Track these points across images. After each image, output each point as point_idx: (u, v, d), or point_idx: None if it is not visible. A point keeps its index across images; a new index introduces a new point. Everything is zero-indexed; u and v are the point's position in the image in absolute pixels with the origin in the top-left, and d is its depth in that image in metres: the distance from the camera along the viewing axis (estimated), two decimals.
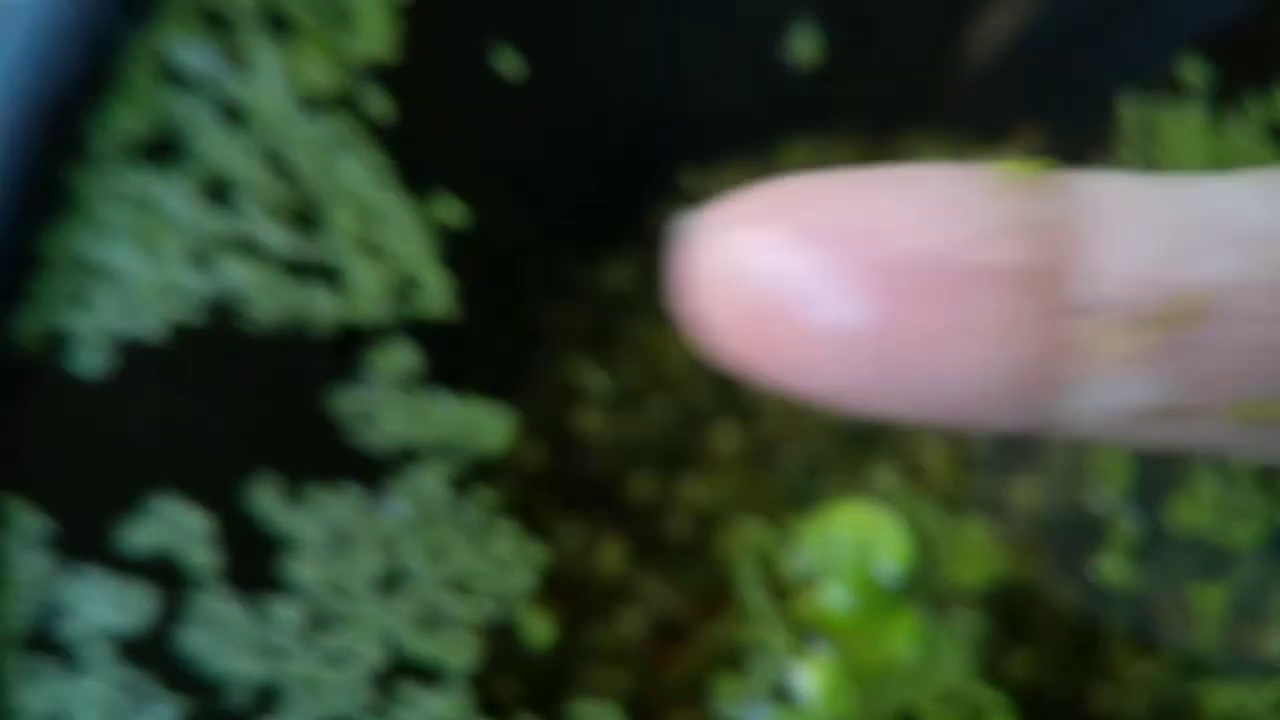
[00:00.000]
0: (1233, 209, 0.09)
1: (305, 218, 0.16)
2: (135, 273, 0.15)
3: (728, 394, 0.20)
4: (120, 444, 0.15)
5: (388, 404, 0.16)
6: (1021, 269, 0.09)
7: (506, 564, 0.17)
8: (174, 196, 0.15)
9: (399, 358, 0.16)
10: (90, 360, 0.16)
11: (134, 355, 0.16)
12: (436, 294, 0.16)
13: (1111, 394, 0.09)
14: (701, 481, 0.20)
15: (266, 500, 0.16)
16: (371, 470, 0.16)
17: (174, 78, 0.16)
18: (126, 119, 0.15)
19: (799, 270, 0.09)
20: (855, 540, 0.19)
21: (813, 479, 0.20)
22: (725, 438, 0.20)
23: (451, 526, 0.16)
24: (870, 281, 0.09)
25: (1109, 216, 0.09)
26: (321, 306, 0.16)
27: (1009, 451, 0.20)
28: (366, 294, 0.16)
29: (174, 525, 0.15)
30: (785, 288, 0.09)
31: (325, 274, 0.16)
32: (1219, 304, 0.09)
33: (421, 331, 0.16)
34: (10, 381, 0.15)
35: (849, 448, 0.21)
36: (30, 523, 0.15)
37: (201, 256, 0.16)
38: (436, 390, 0.16)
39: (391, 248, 0.16)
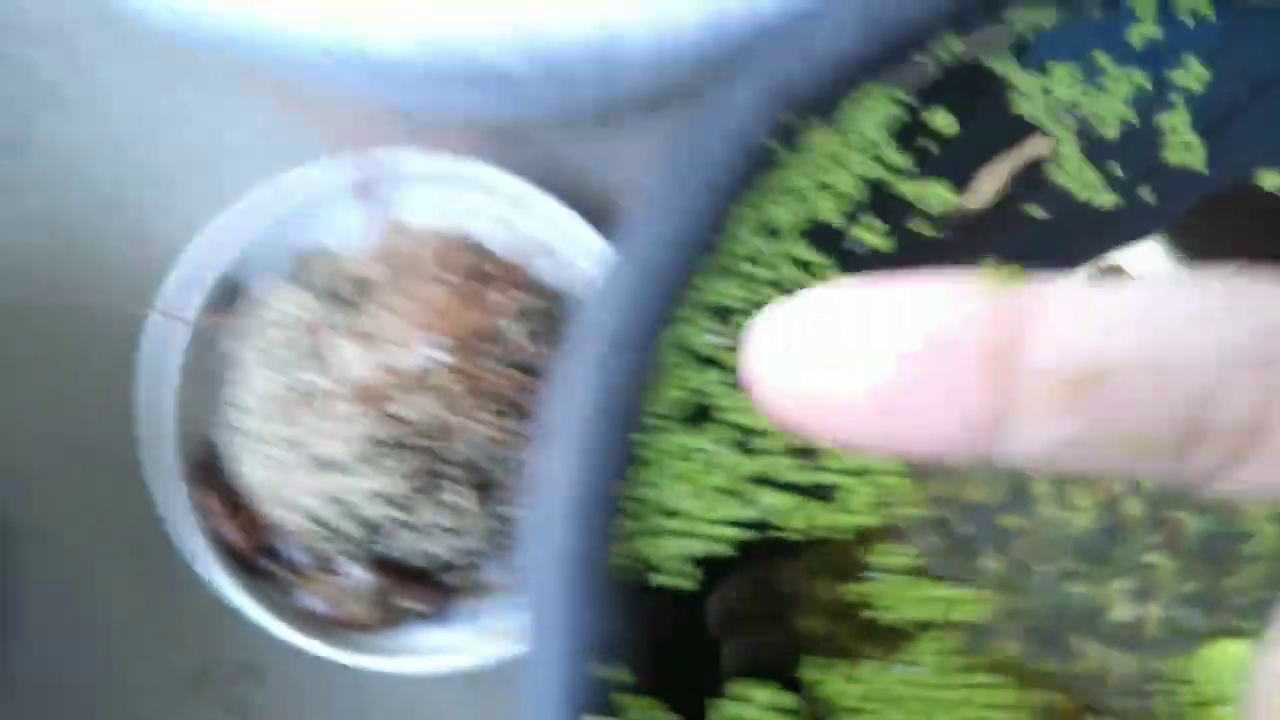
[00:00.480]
0: (1135, 303, 0.12)
1: (806, 453, 0.21)
2: (691, 507, 0.21)
3: None
4: (700, 637, 0.20)
5: (892, 589, 0.21)
6: (984, 348, 0.12)
7: (1000, 708, 0.21)
8: (712, 447, 0.21)
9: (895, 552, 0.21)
10: (668, 577, 0.21)
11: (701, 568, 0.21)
12: (910, 501, 0.21)
13: (1040, 433, 0.12)
14: None
15: (816, 672, 0.21)
16: (894, 640, 0.21)
17: (697, 358, 0.21)
18: (671, 393, 0.21)
19: (830, 358, 0.13)
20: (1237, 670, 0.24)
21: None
22: None
23: (952, 684, 0.21)
24: (885, 361, 0.12)
25: (1052, 309, 0.12)
26: (830, 518, 0.21)
27: None
28: (860, 506, 0.21)
29: (753, 699, 0.20)
30: (822, 372, 0.13)
31: (825, 493, 0.21)
32: (1117, 370, 0.12)
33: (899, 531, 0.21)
34: (613, 599, 0.20)
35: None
36: (644, 711, 0.20)
37: (737, 490, 0.21)
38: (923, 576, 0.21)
39: (873, 469, 0.21)
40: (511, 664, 0.30)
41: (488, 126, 0.35)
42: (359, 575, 0.30)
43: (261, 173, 0.34)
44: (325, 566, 0.30)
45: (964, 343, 0.12)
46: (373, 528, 0.28)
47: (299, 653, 0.31)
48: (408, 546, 0.29)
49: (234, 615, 0.30)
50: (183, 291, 0.31)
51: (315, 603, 0.30)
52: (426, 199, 0.32)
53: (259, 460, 0.29)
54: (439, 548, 0.29)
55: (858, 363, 0.12)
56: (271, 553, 0.31)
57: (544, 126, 0.35)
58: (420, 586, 0.31)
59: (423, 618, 0.31)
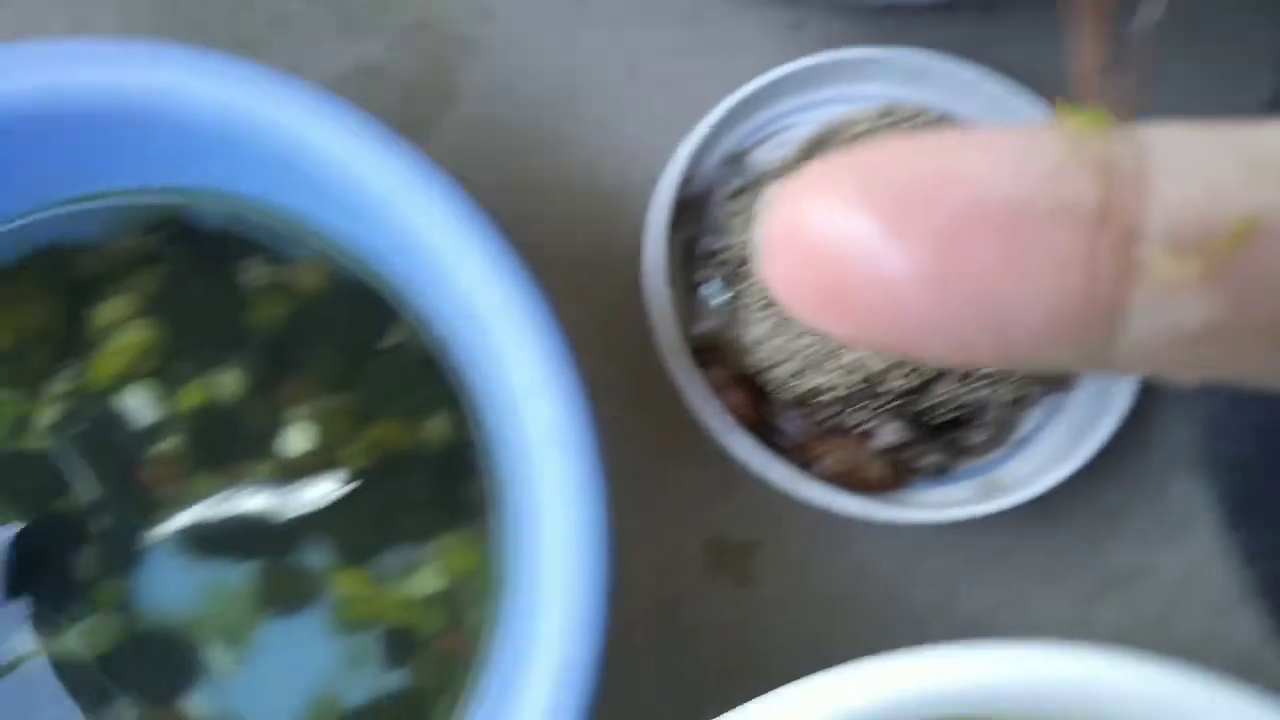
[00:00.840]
0: (1276, 144, 0.10)
1: None
2: None
3: None
4: None
5: None
6: (1086, 204, 0.09)
7: None
8: None
9: None
10: None
11: None
12: None
13: (1167, 317, 0.09)
14: None
15: None
16: None
17: None
18: None
19: (864, 225, 0.10)
20: None
21: None
22: None
23: None
24: (943, 226, 0.09)
25: (1166, 155, 0.10)
26: None
27: None
28: None
29: None
30: (853, 243, 0.10)
31: None
32: (1265, 229, 0.09)
33: None
34: None
35: None
36: None
37: None
38: None
39: None
40: (1009, 514, 0.31)
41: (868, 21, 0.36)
42: (886, 435, 0.31)
43: (683, 96, 0.35)
44: (839, 432, 0.32)
45: (1055, 204, 0.09)
46: (919, 383, 0.30)
47: (799, 523, 0.33)
48: (947, 400, 0.30)
49: (741, 487, 0.32)
50: (664, 205, 0.33)
51: (827, 469, 0.32)
52: (875, 91, 0.34)
53: (792, 333, 0.30)
54: (976, 398, 0.30)
55: (909, 234, 0.10)
56: (777, 425, 0.33)
57: (924, 14, 0.36)
58: (937, 443, 0.32)
59: (931, 475, 0.32)
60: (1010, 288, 0.09)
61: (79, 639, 0.30)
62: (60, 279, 0.31)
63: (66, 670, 0.30)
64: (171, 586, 0.30)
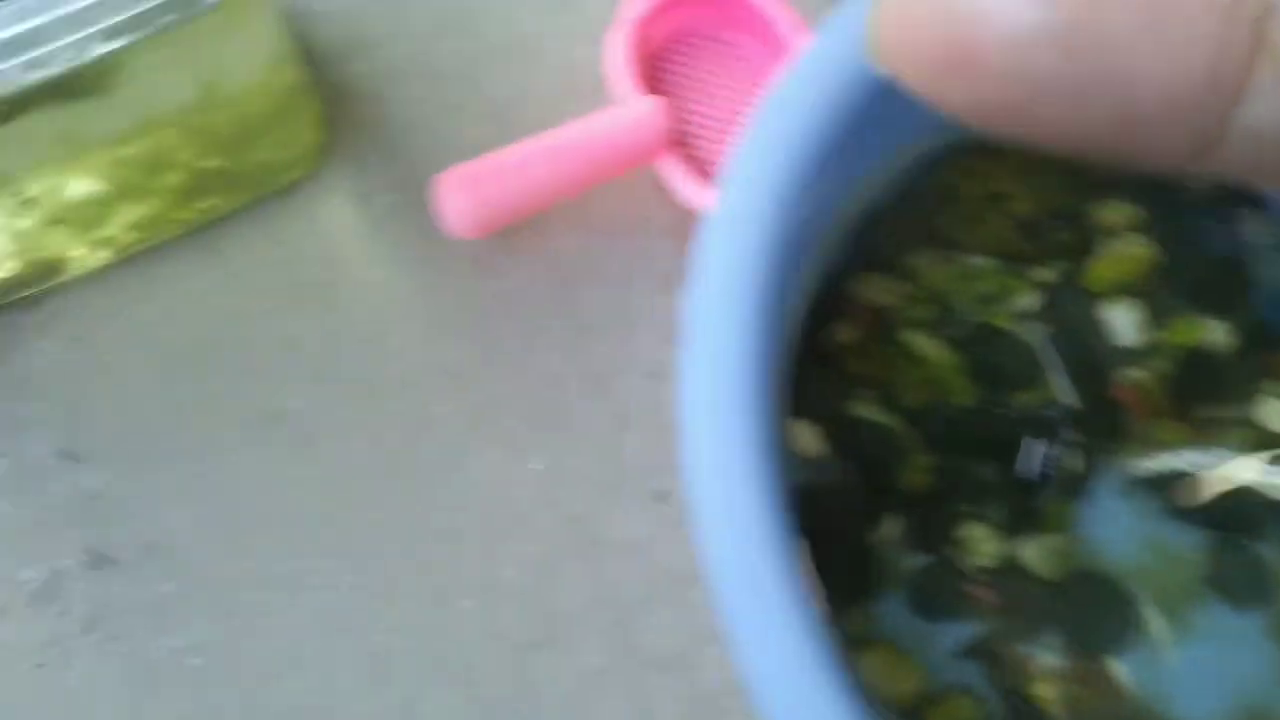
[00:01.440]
0: None
1: None
2: None
3: None
4: None
5: None
6: None
7: None
8: None
9: None
10: None
11: None
12: None
13: None
14: None
15: None
16: None
17: None
18: None
19: None
20: None
21: None
22: None
23: None
24: None
25: None
26: None
27: None
28: None
29: None
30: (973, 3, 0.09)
31: None
32: None
33: None
34: None
35: None
36: None
37: None
38: None
39: None
40: None
41: None
42: None
43: None
44: None
45: None
46: None
47: None
48: None
49: None
50: None
51: None
52: None
53: None
54: None
55: None
56: None
57: None
58: None
59: None
60: (1140, 49, 0.09)
61: (1037, 553, 0.26)
62: (1070, 162, 0.28)
63: (1016, 581, 0.26)
64: (1119, 529, 0.26)
